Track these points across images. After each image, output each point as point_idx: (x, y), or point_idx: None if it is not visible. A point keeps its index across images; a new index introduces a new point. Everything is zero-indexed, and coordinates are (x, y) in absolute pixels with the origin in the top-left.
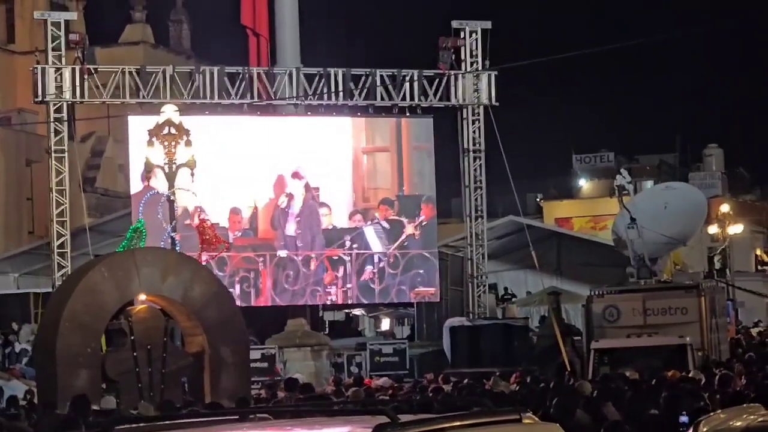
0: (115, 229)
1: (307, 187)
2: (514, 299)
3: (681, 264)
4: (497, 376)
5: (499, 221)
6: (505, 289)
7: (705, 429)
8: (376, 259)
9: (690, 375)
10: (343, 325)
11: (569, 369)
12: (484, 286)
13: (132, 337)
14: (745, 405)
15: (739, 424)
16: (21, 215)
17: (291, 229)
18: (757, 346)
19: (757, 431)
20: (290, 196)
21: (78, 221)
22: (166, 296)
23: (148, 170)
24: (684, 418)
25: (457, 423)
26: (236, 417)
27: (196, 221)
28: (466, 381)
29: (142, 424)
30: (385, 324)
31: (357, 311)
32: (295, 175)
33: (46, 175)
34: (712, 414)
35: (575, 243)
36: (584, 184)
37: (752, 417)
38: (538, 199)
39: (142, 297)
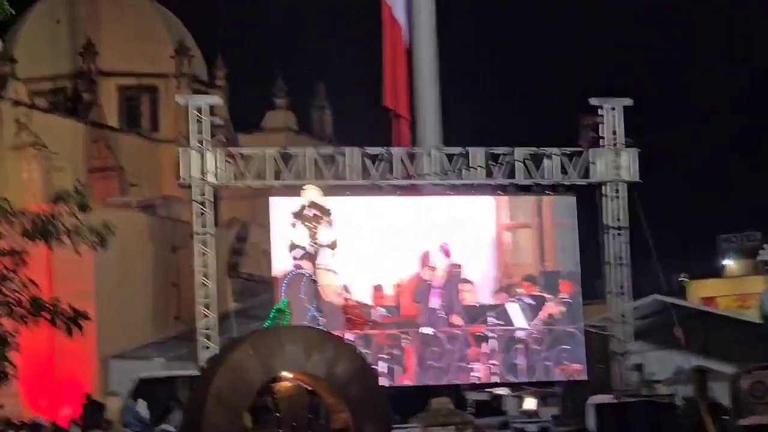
0: (259, 313)
1: (451, 262)
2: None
3: None
4: None
5: (643, 300)
6: (652, 374)
7: None
8: (520, 335)
9: None
10: (486, 405)
11: None
12: (630, 363)
13: (277, 414)
14: None
15: None
16: (167, 301)
17: (435, 302)
18: None
19: None
20: (433, 269)
21: (223, 307)
22: (310, 373)
23: (291, 251)
24: None
25: None
26: None
27: (340, 301)
28: None
29: None
30: (529, 403)
31: (501, 390)
32: (444, 251)
33: (191, 260)
34: None
35: (722, 322)
36: (730, 263)
37: None
38: (681, 279)
39: (287, 374)
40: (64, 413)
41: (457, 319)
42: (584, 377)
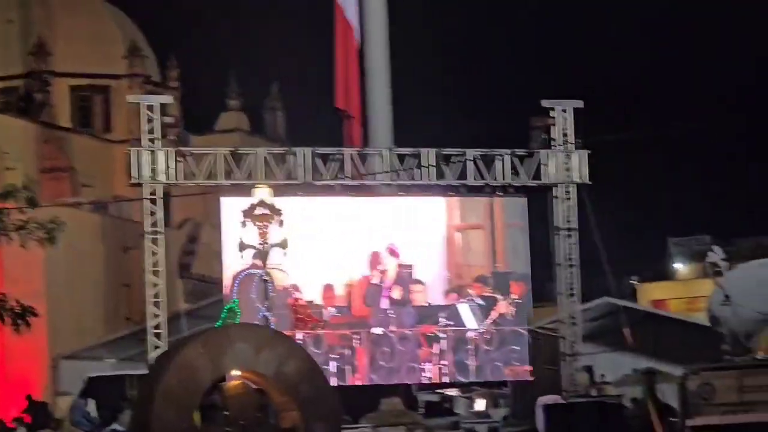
0: (210, 314)
1: (400, 264)
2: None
3: None
4: None
5: (593, 302)
6: (602, 376)
7: None
8: (471, 336)
9: None
10: (437, 405)
11: None
12: (579, 364)
13: (226, 413)
14: None
15: None
16: (118, 301)
17: (385, 303)
18: None
19: None
20: (384, 272)
21: (174, 307)
22: (259, 371)
23: (242, 250)
24: None
25: None
26: None
27: (291, 300)
28: None
29: None
30: (480, 404)
31: (451, 392)
32: (391, 251)
33: (143, 261)
34: None
35: (671, 324)
36: (680, 266)
37: None
38: (632, 281)
39: (236, 372)
40: (14, 413)
41: (407, 320)
42: (531, 378)
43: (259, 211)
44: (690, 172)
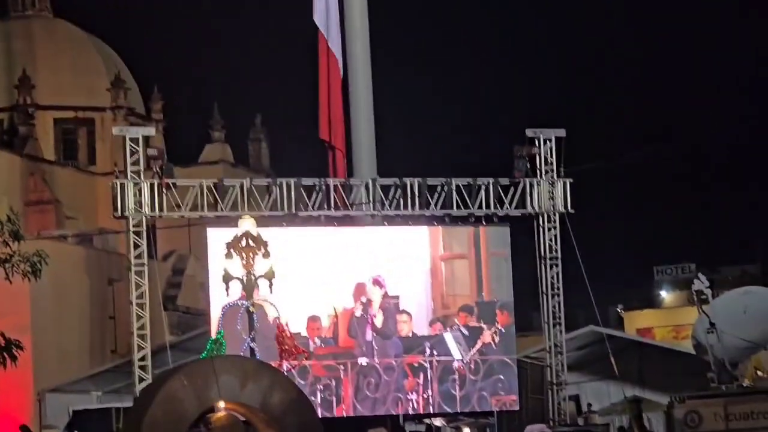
0: (196, 346)
1: (385, 294)
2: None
3: (761, 368)
4: None
5: (579, 331)
6: (589, 405)
7: None
8: (456, 365)
9: None
10: None
11: None
12: (565, 393)
13: None
14: None
15: None
16: (103, 334)
17: (369, 335)
18: None
19: None
20: (368, 303)
21: (159, 339)
22: (245, 403)
23: (227, 282)
24: None
25: None
26: None
27: (276, 332)
28: None
29: None
30: None
31: (437, 421)
32: (376, 282)
33: (128, 293)
34: None
35: (657, 352)
36: (666, 294)
37: None
38: (618, 309)
39: (221, 404)
40: None
41: (392, 350)
42: (517, 407)
43: (244, 242)
44: (675, 200)
